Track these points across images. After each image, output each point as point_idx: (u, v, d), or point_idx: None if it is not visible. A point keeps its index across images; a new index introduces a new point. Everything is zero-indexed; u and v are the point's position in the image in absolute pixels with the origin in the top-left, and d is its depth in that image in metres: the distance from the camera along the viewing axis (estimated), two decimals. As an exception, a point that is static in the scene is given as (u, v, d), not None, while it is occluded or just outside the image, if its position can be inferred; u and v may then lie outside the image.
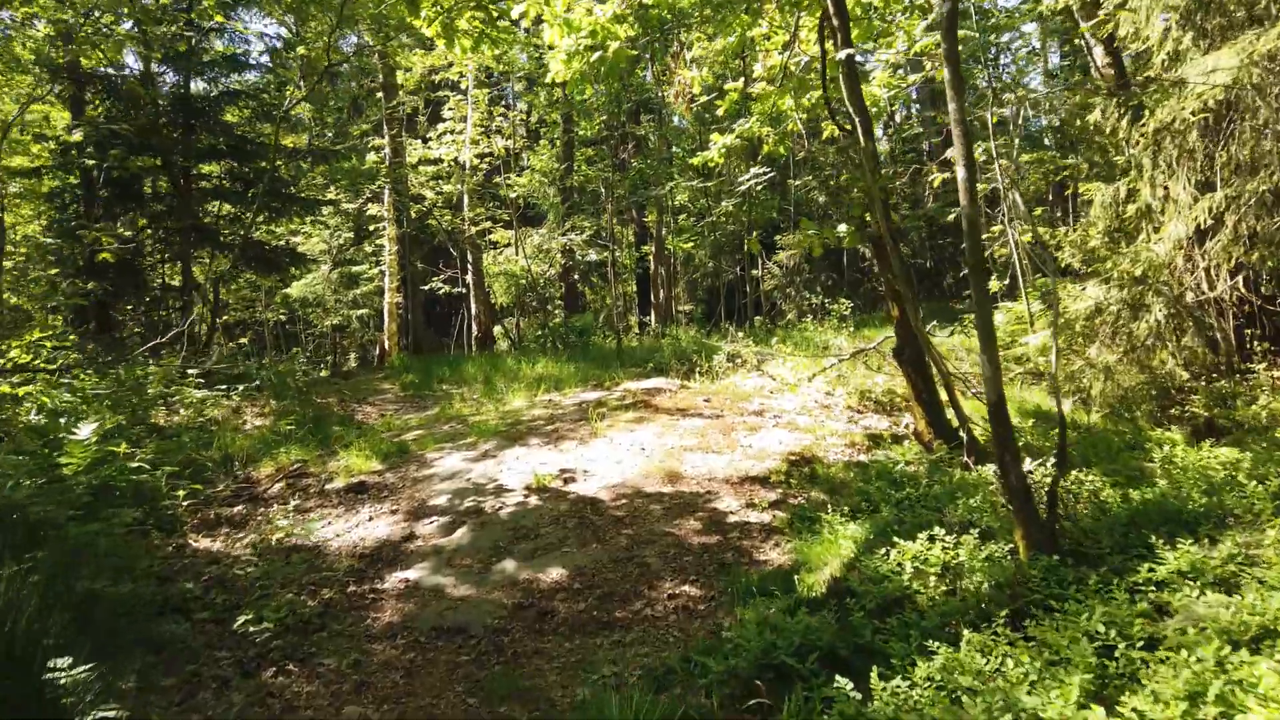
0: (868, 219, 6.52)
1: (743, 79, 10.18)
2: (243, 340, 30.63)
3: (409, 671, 4.33)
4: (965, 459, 5.90)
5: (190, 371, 11.27)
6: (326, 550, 6.08)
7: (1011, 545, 4.22)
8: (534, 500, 6.54)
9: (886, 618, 3.86)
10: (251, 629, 4.73)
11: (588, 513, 6.27)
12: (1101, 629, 3.19)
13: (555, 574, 5.38)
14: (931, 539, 4.37)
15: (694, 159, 11.33)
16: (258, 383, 12.21)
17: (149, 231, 17.19)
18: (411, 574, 5.55)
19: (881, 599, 4.05)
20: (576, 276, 19.69)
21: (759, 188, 13.53)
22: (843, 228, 6.44)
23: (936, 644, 3.29)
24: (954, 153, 4.56)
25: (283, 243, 22.33)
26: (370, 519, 6.58)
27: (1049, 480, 4.60)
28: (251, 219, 15.73)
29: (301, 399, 12.17)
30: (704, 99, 10.99)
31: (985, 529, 4.59)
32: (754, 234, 16.78)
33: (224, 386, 11.64)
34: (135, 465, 6.66)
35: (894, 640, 3.57)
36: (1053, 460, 4.89)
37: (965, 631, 3.38)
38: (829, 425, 7.91)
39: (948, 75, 4.55)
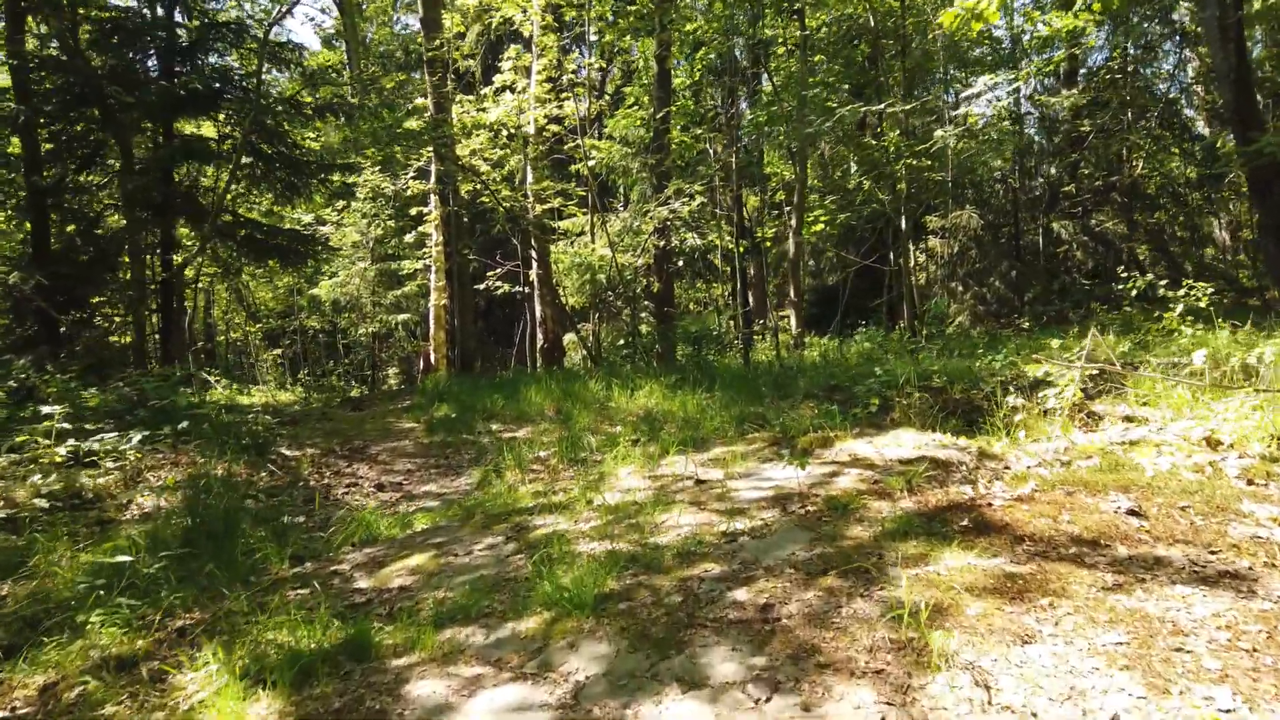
0: None
1: None
2: (276, 352, 26.04)
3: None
4: None
5: (49, 410, 6.19)
6: None
7: None
8: None
9: None
10: None
11: None
12: None
13: None
14: None
15: (944, 15, 5.87)
16: (184, 425, 7.10)
17: (99, 209, 12.37)
18: None
19: None
20: (680, 264, 14.24)
21: (1002, 102, 7.91)
22: None
23: None
24: None
25: (306, 229, 17.52)
26: None
27: None
28: (228, 182, 10.72)
29: (255, 452, 7.03)
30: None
31: None
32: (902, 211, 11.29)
33: (124, 434, 6.65)
34: None
35: None
36: None
37: None
38: None
39: None
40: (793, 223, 11.36)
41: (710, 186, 12.82)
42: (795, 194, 11.56)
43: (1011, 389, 5.62)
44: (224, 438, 7.08)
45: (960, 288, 14.69)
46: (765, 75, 13.61)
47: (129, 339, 13.35)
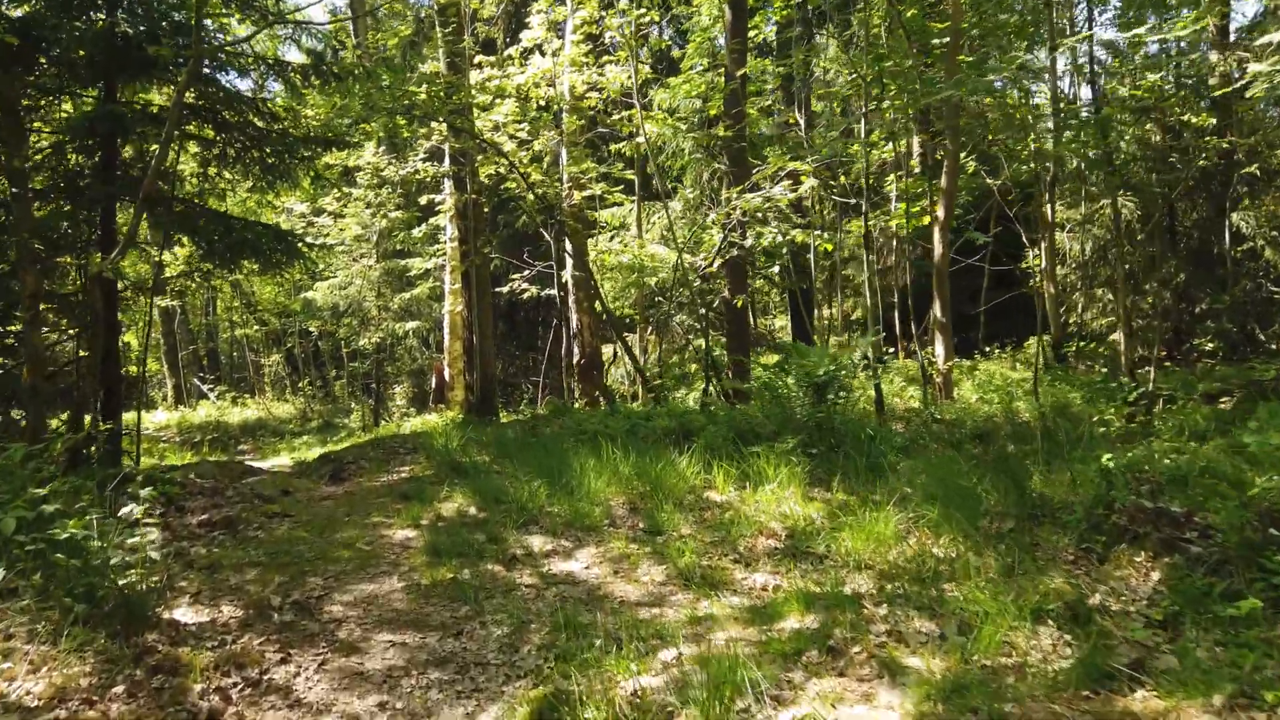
0: None
1: None
2: (276, 357, 22.98)
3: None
4: None
5: None
6: None
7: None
8: None
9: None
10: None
11: None
12: None
13: None
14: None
15: None
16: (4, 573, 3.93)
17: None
18: None
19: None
20: (777, 270, 10.89)
21: None
22: None
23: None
24: None
25: (301, 221, 14.35)
26: None
27: None
28: (161, 151, 7.45)
29: (124, 626, 3.87)
30: None
31: None
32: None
33: None
34: None
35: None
36: None
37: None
38: None
39: None
40: (938, 213, 8.04)
41: (823, 164, 9.49)
42: (942, 174, 8.23)
43: None
44: (75, 594, 3.88)
45: (1109, 295, 11.31)
46: (858, 22, 10.22)
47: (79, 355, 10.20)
